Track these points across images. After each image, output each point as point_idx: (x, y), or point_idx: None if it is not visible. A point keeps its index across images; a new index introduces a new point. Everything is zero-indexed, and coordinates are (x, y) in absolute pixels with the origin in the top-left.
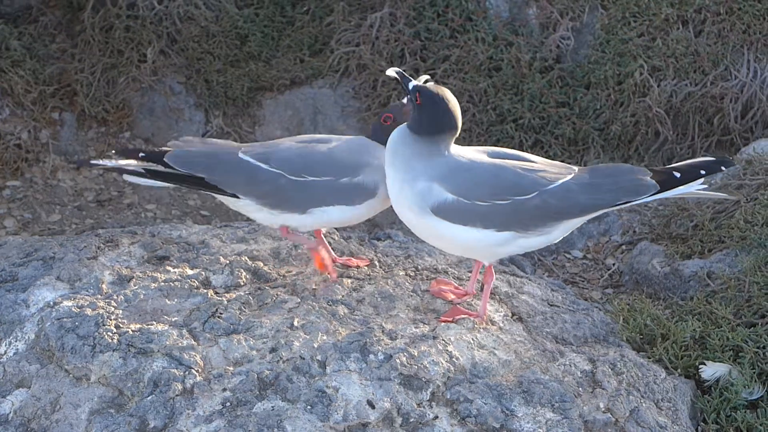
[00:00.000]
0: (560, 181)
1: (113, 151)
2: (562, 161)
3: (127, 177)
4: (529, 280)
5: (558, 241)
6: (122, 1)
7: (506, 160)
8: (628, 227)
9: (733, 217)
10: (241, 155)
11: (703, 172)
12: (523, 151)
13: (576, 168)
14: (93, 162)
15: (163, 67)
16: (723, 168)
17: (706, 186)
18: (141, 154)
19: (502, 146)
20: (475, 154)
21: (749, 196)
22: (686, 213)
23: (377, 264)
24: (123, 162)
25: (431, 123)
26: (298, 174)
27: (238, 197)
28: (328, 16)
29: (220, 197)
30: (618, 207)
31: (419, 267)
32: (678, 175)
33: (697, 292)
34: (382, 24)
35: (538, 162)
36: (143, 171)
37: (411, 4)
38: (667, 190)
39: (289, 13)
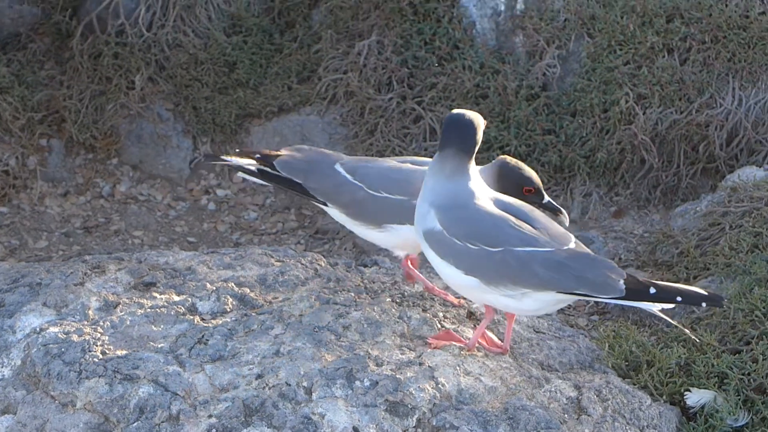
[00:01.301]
0: (532, 248)
1: (237, 150)
2: (548, 188)
3: (241, 174)
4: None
5: (538, 314)
6: (111, 28)
7: (506, 213)
8: (613, 254)
9: (718, 244)
10: (335, 166)
11: (679, 299)
12: None
13: (574, 241)
14: (221, 157)
15: (152, 93)
16: (705, 304)
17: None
18: (257, 155)
19: None
20: (485, 193)
21: (734, 224)
22: (672, 240)
23: (364, 290)
24: (242, 161)
25: (444, 138)
26: (376, 189)
27: (326, 205)
28: (316, 44)
29: (318, 205)
30: (576, 296)
31: (406, 293)
32: (653, 291)
33: (683, 318)
34: (370, 52)
35: (540, 223)
36: (256, 171)
37: (398, 32)
38: (630, 299)
39: (278, 41)
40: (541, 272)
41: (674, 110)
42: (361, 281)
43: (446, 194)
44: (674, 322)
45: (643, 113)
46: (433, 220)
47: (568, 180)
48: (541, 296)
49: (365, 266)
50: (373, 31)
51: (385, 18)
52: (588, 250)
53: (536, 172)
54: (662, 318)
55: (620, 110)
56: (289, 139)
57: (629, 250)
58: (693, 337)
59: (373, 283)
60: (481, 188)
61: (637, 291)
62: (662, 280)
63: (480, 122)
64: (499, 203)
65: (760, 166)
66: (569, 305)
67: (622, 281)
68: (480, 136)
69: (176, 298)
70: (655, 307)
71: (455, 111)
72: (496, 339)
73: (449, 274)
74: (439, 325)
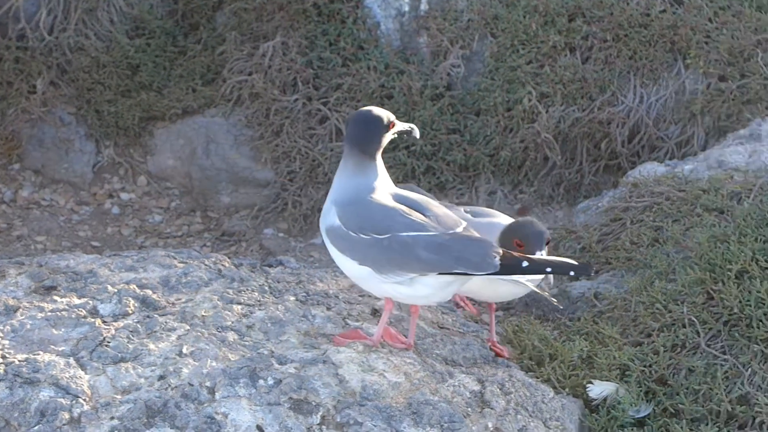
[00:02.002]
0: (416, 233)
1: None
2: (453, 187)
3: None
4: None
5: (432, 301)
6: (12, 32)
7: (400, 205)
8: None
9: (620, 239)
10: None
11: (549, 269)
12: (414, 177)
13: (463, 227)
14: None
15: (53, 98)
16: (572, 273)
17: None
18: None
19: (393, 173)
20: (386, 188)
21: (635, 219)
22: (574, 236)
23: (268, 290)
24: None
25: (347, 135)
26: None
27: None
28: (220, 46)
29: None
30: (458, 275)
31: (310, 292)
32: (525, 264)
33: (585, 312)
34: (275, 53)
35: (432, 212)
36: None
37: (303, 33)
38: (505, 273)
39: (181, 43)
40: (423, 255)
41: (577, 108)
42: (266, 281)
43: (347, 190)
44: (536, 288)
45: (546, 111)
46: (333, 216)
47: (473, 178)
48: (428, 280)
49: (270, 266)
50: (278, 32)
51: (290, 19)
52: (472, 234)
53: (441, 171)
54: (535, 290)
55: (523, 109)
56: (194, 141)
57: None
58: (554, 301)
59: (278, 282)
60: (382, 183)
61: (510, 265)
62: (565, 276)
63: (384, 117)
64: (396, 196)
65: (661, 162)
66: (474, 301)
67: (498, 258)
68: (385, 135)
69: (77, 301)
70: (523, 278)
71: (362, 108)
72: (400, 335)
73: (347, 267)
74: (344, 323)
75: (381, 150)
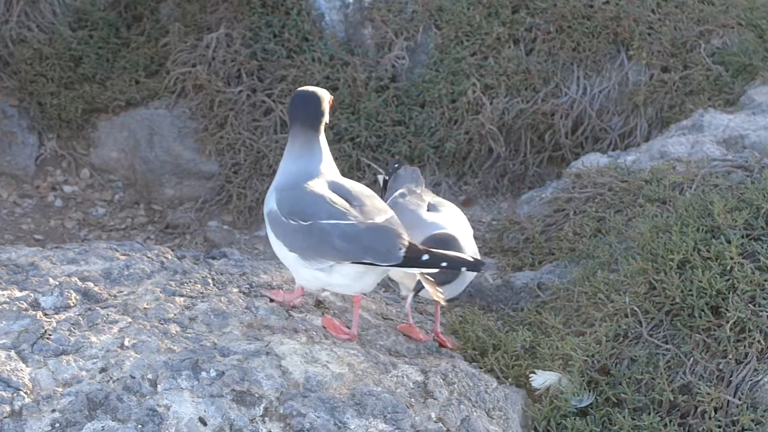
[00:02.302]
0: (335, 221)
1: None
2: None
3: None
4: (363, 294)
5: (352, 290)
6: None
7: (330, 193)
8: None
9: (563, 230)
10: None
11: (444, 264)
12: (360, 169)
13: (386, 218)
14: None
15: None
16: (464, 269)
17: (427, 276)
18: None
19: (338, 165)
20: (327, 174)
21: (578, 209)
22: (518, 226)
23: (211, 282)
24: None
25: (290, 115)
26: None
27: None
28: (163, 38)
29: None
30: (370, 266)
31: (254, 284)
32: (425, 258)
33: (528, 302)
34: (219, 44)
35: (359, 201)
36: None
37: (247, 24)
38: (407, 266)
39: (124, 35)
40: (337, 243)
41: (520, 100)
42: (209, 273)
43: (288, 176)
44: (418, 275)
45: (490, 103)
46: (273, 201)
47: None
48: (343, 269)
49: (214, 258)
50: (222, 23)
51: (234, 11)
52: (387, 225)
53: (386, 163)
54: (427, 286)
55: (468, 100)
56: (137, 133)
57: (477, 238)
58: (438, 296)
59: (221, 275)
60: (326, 168)
61: (412, 258)
62: (509, 266)
63: (324, 95)
64: (332, 184)
65: (604, 153)
66: (421, 299)
67: (403, 250)
68: (325, 108)
69: (18, 294)
70: (416, 272)
71: (300, 89)
72: (343, 326)
73: (279, 251)
74: (287, 315)
75: (324, 123)
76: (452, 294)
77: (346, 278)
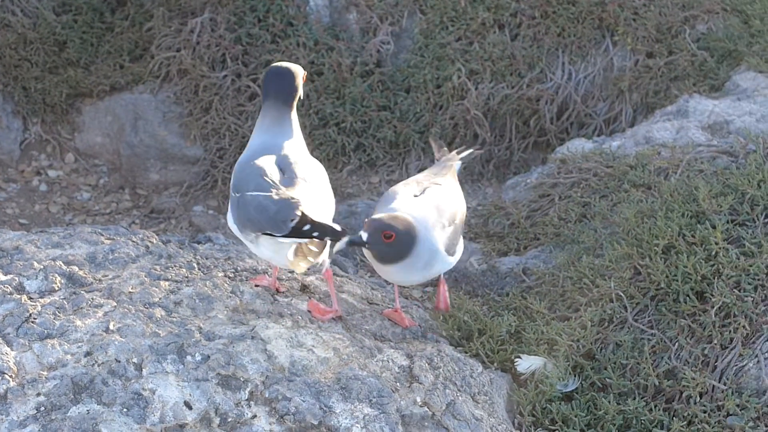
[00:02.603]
0: (257, 193)
1: None
2: (384, 164)
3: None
4: (350, 279)
5: (279, 262)
6: None
7: (270, 166)
8: None
9: (548, 215)
10: None
11: (315, 234)
12: (345, 154)
13: (306, 188)
14: None
15: None
16: (328, 238)
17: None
18: None
19: (323, 150)
20: (287, 149)
21: (563, 195)
22: (503, 212)
23: (196, 266)
24: None
25: (263, 90)
26: None
27: None
28: (148, 22)
29: None
30: (265, 235)
31: (239, 268)
32: (306, 228)
33: (513, 287)
34: (203, 29)
35: (292, 172)
36: None
37: (231, 9)
38: (292, 236)
39: (108, 19)
40: (252, 214)
41: (506, 85)
42: (194, 257)
43: (249, 150)
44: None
45: (476, 88)
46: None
47: (403, 155)
48: (263, 240)
49: (199, 243)
50: (206, 8)
51: None
52: (297, 197)
53: (372, 148)
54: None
55: (453, 86)
56: (122, 117)
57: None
58: (299, 265)
59: (206, 259)
60: (290, 145)
61: (298, 228)
62: (494, 251)
63: (298, 71)
64: (280, 159)
65: (589, 139)
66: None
67: (295, 221)
68: (299, 84)
69: (3, 278)
70: (306, 241)
71: (274, 64)
72: (327, 308)
73: (230, 224)
74: (273, 299)
75: (296, 99)
76: (404, 279)
77: (269, 250)
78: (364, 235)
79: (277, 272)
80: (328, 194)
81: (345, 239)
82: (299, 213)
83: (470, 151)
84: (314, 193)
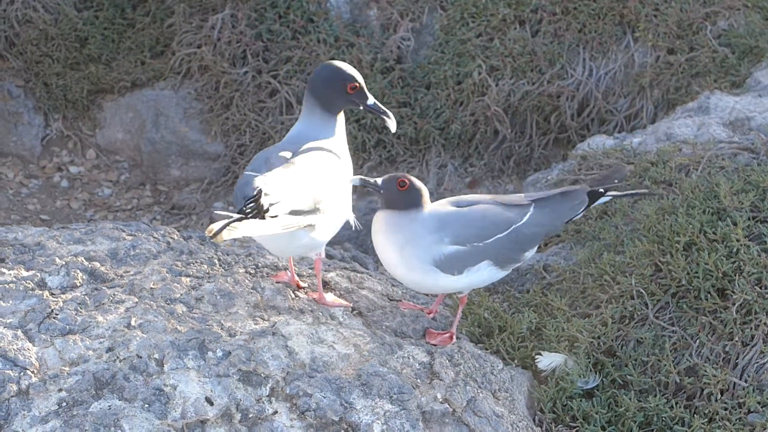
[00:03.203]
0: (248, 173)
1: None
2: (404, 160)
3: None
4: (370, 275)
5: (281, 249)
6: None
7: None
8: None
9: None
10: None
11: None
12: (365, 150)
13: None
14: None
15: (1, 70)
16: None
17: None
18: None
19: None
20: (322, 142)
21: None
22: None
23: (217, 262)
24: None
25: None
26: None
27: None
28: (169, 18)
29: None
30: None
31: (260, 264)
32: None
33: (534, 284)
34: (224, 25)
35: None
36: None
37: (252, 5)
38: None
39: (130, 15)
40: (235, 192)
41: (526, 81)
42: (215, 254)
43: (283, 140)
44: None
45: (496, 85)
46: None
47: (423, 152)
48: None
49: None
50: (227, 4)
51: None
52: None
53: (392, 144)
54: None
55: (473, 82)
56: (143, 114)
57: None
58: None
59: (227, 255)
60: (331, 142)
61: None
62: None
63: (350, 74)
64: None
65: (610, 135)
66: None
67: (248, 198)
68: (344, 94)
69: (25, 273)
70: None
71: (329, 62)
72: (336, 299)
73: None
74: (293, 296)
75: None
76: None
77: (268, 237)
78: (379, 180)
79: (294, 268)
80: (325, 181)
81: (358, 177)
82: (253, 192)
83: None
84: (291, 176)
